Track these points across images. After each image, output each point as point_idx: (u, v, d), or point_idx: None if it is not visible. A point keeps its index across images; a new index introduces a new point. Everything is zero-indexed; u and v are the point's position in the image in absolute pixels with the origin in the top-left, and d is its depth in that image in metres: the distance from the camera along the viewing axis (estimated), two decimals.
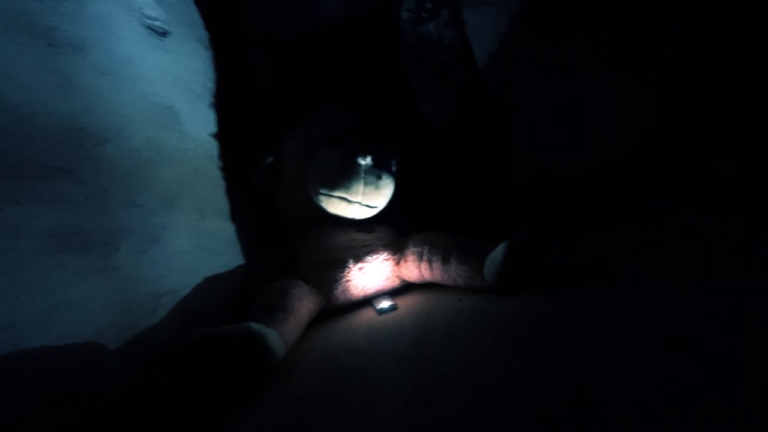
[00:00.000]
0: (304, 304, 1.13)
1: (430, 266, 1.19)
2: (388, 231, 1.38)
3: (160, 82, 1.16)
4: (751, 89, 1.30)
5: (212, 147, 1.29)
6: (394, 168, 1.39)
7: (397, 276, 1.31)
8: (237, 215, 1.39)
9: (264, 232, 1.52)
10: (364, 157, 1.19)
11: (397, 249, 1.32)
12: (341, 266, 1.23)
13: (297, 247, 1.34)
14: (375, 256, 1.27)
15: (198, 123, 1.26)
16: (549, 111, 1.69)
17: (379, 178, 1.24)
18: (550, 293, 0.95)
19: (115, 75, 1.00)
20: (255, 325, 0.86)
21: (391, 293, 1.29)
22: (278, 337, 0.92)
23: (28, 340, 0.73)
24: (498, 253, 1.00)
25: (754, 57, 1.30)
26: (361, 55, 1.74)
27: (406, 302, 1.21)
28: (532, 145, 1.72)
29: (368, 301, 1.27)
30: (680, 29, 1.37)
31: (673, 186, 1.40)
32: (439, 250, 1.18)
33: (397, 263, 1.30)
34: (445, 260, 1.15)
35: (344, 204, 1.24)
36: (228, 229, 1.33)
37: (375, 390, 0.74)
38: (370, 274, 1.25)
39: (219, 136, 1.33)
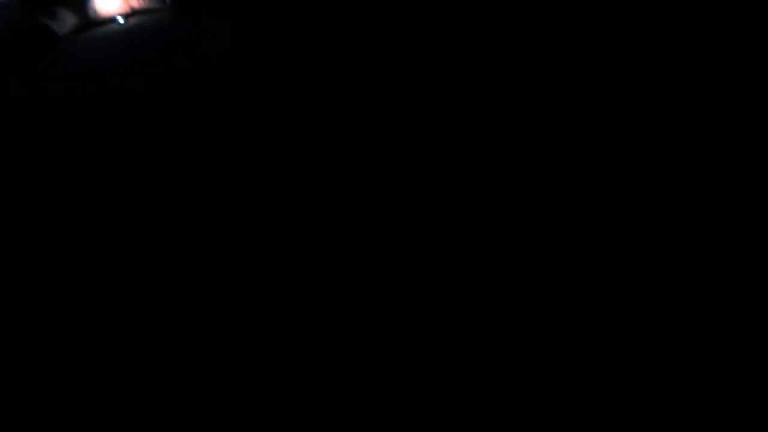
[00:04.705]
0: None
1: None
2: None
3: None
4: None
5: None
6: None
7: (128, 5, 2.31)
8: None
9: None
10: None
11: None
12: None
13: None
14: None
15: None
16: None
17: None
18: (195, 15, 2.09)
19: None
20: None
21: (128, 15, 2.32)
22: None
23: None
24: None
25: None
26: None
27: (132, 19, 2.27)
28: None
29: (113, 19, 2.29)
30: None
31: None
32: None
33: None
34: None
35: None
36: None
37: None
38: (109, 3, 2.23)
39: None
